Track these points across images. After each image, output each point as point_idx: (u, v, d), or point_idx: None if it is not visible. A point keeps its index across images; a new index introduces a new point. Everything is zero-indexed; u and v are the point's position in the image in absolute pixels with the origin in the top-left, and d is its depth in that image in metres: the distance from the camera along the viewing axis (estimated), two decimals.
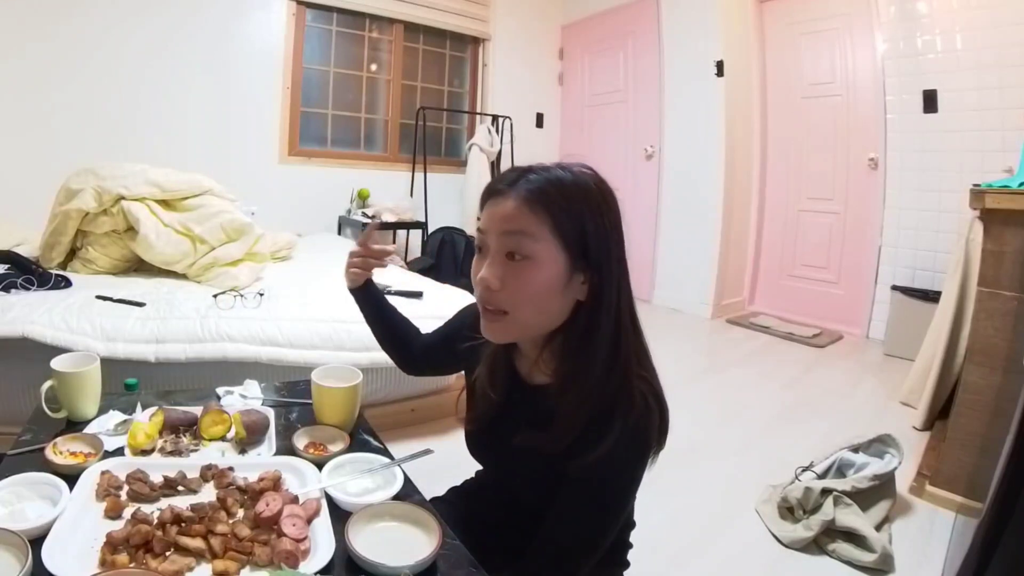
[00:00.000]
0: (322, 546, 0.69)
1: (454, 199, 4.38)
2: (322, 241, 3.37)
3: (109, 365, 1.11)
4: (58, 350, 1.38)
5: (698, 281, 3.96)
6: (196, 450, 0.93)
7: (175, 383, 1.67)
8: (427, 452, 0.92)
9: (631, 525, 0.90)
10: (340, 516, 0.74)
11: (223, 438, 0.97)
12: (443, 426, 2.06)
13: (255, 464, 0.87)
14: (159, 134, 3.38)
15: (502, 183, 0.70)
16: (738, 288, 4.12)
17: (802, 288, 3.89)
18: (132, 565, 0.63)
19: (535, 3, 4.76)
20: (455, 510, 0.95)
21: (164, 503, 0.75)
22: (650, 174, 4.22)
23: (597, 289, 0.68)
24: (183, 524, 0.69)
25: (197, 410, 1.00)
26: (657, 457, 0.72)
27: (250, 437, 0.95)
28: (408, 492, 0.84)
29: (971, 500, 1.64)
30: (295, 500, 0.75)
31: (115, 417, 0.99)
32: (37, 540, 0.64)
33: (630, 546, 0.92)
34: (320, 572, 0.65)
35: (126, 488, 0.78)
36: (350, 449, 0.93)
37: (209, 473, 0.83)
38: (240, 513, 0.75)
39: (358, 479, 0.84)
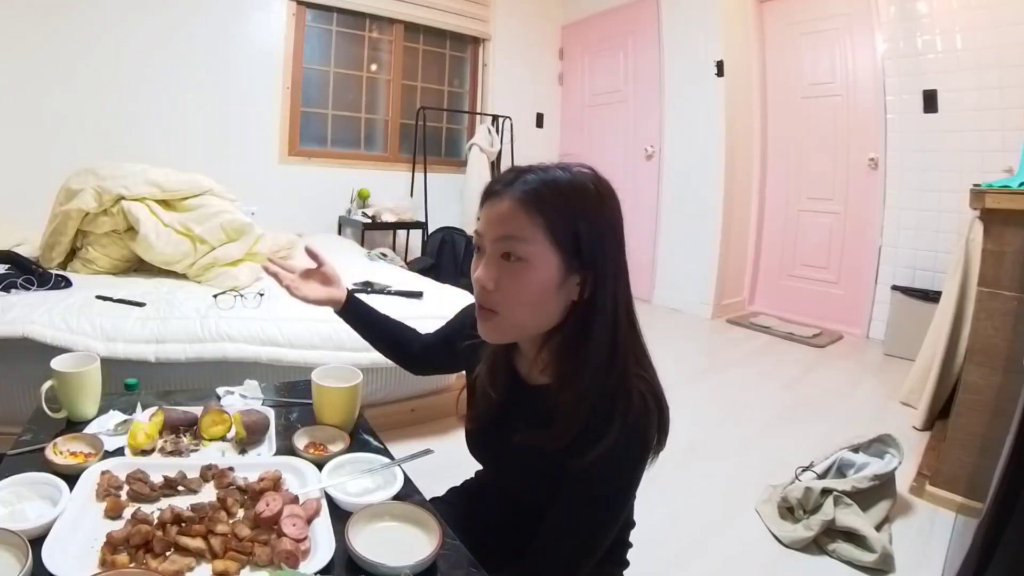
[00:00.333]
0: (322, 546, 0.69)
1: (454, 199, 4.38)
2: (322, 241, 3.36)
3: (109, 365, 1.11)
4: (58, 350, 1.39)
5: (698, 281, 3.96)
6: (196, 450, 0.93)
7: (175, 383, 1.67)
8: (427, 452, 0.92)
9: (631, 525, 0.90)
10: (340, 516, 0.74)
11: (223, 438, 0.96)
12: (443, 426, 2.06)
13: (255, 464, 0.87)
14: (159, 134, 3.38)
15: (499, 184, 0.71)
16: (738, 288, 4.12)
17: (802, 288, 3.89)
18: (132, 565, 0.63)
19: (535, 3, 4.76)
20: (455, 510, 0.95)
21: (164, 503, 0.75)
22: (650, 174, 4.22)
23: (592, 290, 0.69)
24: (183, 524, 0.69)
25: (197, 410, 0.99)
26: (657, 457, 0.72)
27: (250, 437, 0.95)
28: (408, 492, 0.84)
29: (971, 500, 1.64)
30: (295, 500, 0.75)
31: (115, 417, 0.99)
32: (37, 540, 0.64)
33: (630, 546, 0.92)
34: (320, 572, 0.65)
35: (126, 488, 0.78)
36: (350, 449, 0.93)
37: (209, 473, 0.83)
38: (240, 513, 0.75)
39: (358, 479, 0.84)
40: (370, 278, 2.31)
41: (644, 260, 4.23)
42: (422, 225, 4.08)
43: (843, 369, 2.99)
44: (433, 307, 1.99)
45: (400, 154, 4.38)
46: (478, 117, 4.59)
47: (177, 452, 0.90)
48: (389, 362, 1.07)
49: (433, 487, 0.99)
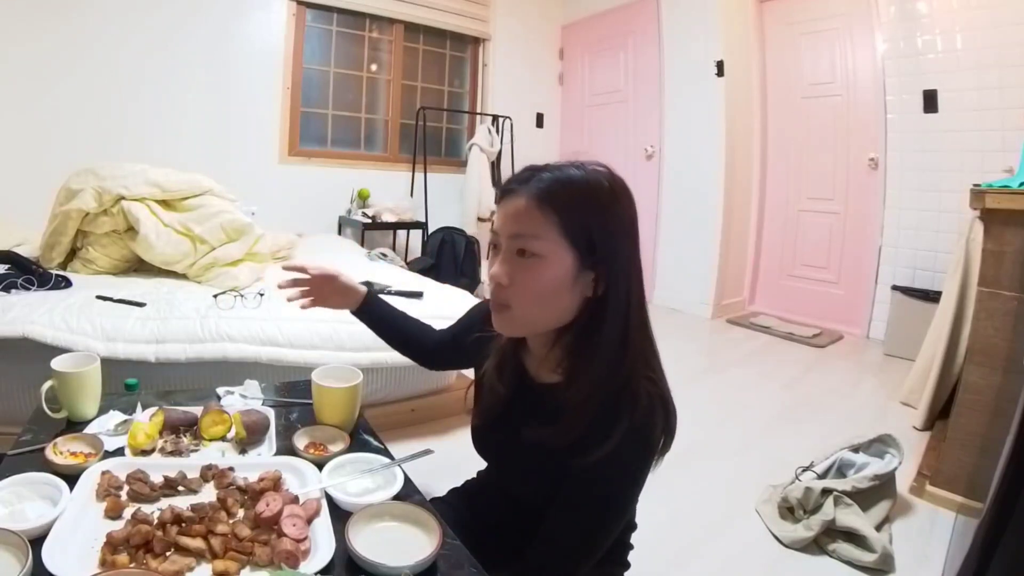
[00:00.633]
0: (322, 546, 0.69)
1: (454, 199, 4.38)
2: (322, 241, 3.37)
3: (109, 365, 1.11)
4: (58, 350, 1.39)
5: (698, 281, 3.96)
6: (196, 450, 0.93)
7: (175, 383, 1.67)
8: (427, 452, 0.92)
9: (632, 527, 0.90)
10: (340, 516, 0.75)
11: (223, 438, 0.97)
12: (443, 426, 2.05)
13: (255, 464, 0.87)
14: (159, 134, 3.38)
15: (514, 182, 0.72)
16: (738, 288, 4.11)
17: (802, 288, 3.89)
18: (132, 565, 0.63)
19: (535, 3, 4.76)
20: (455, 510, 0.95)
21: (164, 503, 0.75)
22: (650, 174, 4.22)
23: (605, 287, 0.69)
24: (183, 524, 0.69)
25: (197, 410, 1.00)
26: (662, 460, 0.72)
27: (250, 437, 0.95)
28: (408, 492, 0.84)
29: (971, 500, 1.64)
30: (295, 500, 0.75)
31: (115, 417, 1.00)
32: (37, 540, 0.64)
33: (631, 547, 0.92)
34: (320, 572, 0.65)
35: (126, 488, 0.78)
36: (350, 449, 0.93)
37: (209, 473, 0.83)
38: (240, 513, 0.75)
39: (358, 479, 0.84)
40: (370, 278, 2.31)
41: (644, 260, 4.07)
42: (422, 225, 4.08)
43: (843, 369, 2.99)
44: (433, 307, 1.99)
45: (400, 154, 4.38)
46: (478, 117, 4.59)
47: (177, 452, 0.90)
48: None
49: (433, 487, 0.99)
